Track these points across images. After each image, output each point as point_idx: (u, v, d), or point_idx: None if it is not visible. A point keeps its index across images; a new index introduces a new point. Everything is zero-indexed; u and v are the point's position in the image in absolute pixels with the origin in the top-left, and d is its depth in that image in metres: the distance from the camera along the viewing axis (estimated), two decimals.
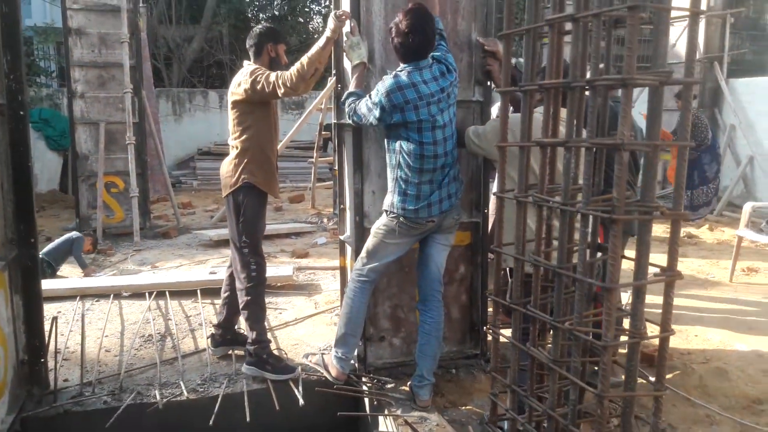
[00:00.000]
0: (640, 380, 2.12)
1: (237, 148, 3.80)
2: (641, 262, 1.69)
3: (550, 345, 2.15)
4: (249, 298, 3.82)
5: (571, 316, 1.96)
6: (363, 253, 3.51)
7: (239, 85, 3.72)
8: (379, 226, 3.43)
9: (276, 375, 3.77)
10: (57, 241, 6.43)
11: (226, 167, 3.86)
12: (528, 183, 2.28)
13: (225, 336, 4.19)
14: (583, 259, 1.80)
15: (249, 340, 3.85)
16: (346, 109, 3.41)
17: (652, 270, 1.84)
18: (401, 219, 3.30)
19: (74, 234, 6.58)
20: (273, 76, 3.60)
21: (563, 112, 2.29)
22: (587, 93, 1.98)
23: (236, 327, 4.29)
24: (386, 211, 3.38)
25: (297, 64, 3.52)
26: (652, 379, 2.01)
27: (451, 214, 3.41)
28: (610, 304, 1.67)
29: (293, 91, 3.57)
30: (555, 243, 2.23)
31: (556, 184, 2.30)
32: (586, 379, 2.07)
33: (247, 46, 3.88)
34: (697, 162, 8.98)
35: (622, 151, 1.57)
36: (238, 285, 3.87)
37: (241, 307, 3.89)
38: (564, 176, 1.90)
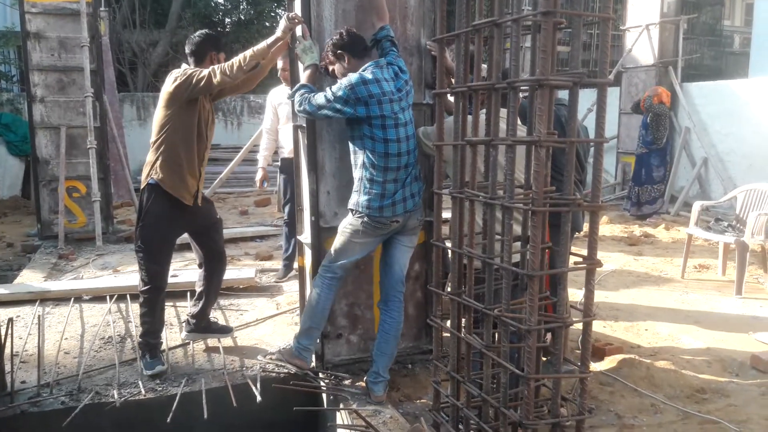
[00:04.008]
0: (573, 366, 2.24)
1: (152, 145, 3.83)
2: (561, 250, 1.81)
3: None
4: (142, 300, 3.96)
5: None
6: (331, 251, 3.56)
7: (174, 81, 3.71)
8: (345, 225, 3.49)
9: (146, 370, 3.89)
10: None
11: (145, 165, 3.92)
12: (473, 180, 2.39)
13: (199, 324, 4.27)
14: (508, 250, 1.91)
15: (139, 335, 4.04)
16: (297, 99, 3.41)
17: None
18: (366, 218, 3.37)
19: None
20: (210, 68, 3.65)
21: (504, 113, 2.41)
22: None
23: (211, 317, 4.41)
24: (351, 210, 3.44)
25: (240, 55, 3.59)
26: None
27: (415, 215, 3.50)
28: (533, 290, 1.78)
29: (230, 80, 3.60)
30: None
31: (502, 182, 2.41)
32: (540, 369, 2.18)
33: (187, 51, 3.88)
34: (646, 160, 9.32)
35: (539, 147, 1.69)
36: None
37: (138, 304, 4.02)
38: (491, 172, 2.02)
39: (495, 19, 1.83)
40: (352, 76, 3.28)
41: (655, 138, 9.09)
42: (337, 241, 3.53)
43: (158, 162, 3.77)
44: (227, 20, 19.45)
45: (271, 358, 3.98)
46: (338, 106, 3.24)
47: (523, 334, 1.85)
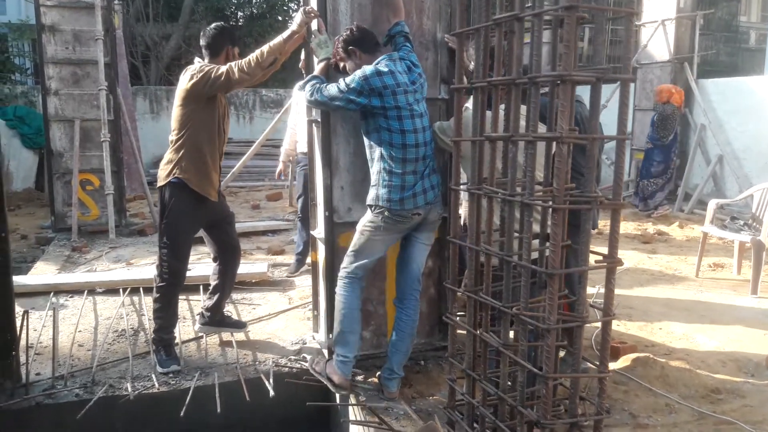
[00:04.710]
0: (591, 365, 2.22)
1: (173, 143, 3.80)
2: (582, 249, 1.79)
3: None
4: (158, 295, 3.94)
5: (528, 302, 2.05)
6: (350, 251, 3.48)
7: (190, 78, 3.68)
8: (364, 223, 3.42)
9: (160, 367, 3.88)
10: None
11: (163, 162, 3.89)
12: (491, 177, 2.37)
13: (214, 318, 4.31)
14: (527, 248, 1.89)
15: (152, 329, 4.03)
16: (308, 88, 3.41)
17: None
18: (386, 213, 3.31)
19: None
20: (227, 65, 3.63)
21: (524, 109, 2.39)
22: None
23: (225, 311, 4.44)
24: (371, 206, 3.38)
25: (257, 51, 3.57)
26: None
27: (436, 208, 3.45)
28: (552, 289, 1.76)
29: (249, 77, 3.59)
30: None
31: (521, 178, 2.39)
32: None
33: (202, 44, 3.86)
34: (649, 156, 9.38)
35: (561, 144, 1.67)
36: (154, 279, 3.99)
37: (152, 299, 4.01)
38: (510, 169, 1.99)
39: (516, 13, 1.81)
40: (366, 68, 3.27)
41: (660, 136, 9.16)
42: (357, 241, 3.44)
43: (183, 161, 3.76)
44: (240, 14, 19.48)
45: (313, 369, 3.74)
46: (352, 96, 3.24)
47: (542, 333, 1.83)
